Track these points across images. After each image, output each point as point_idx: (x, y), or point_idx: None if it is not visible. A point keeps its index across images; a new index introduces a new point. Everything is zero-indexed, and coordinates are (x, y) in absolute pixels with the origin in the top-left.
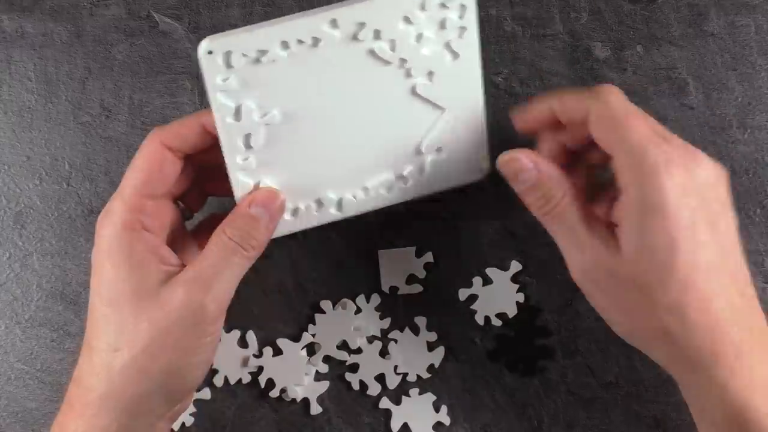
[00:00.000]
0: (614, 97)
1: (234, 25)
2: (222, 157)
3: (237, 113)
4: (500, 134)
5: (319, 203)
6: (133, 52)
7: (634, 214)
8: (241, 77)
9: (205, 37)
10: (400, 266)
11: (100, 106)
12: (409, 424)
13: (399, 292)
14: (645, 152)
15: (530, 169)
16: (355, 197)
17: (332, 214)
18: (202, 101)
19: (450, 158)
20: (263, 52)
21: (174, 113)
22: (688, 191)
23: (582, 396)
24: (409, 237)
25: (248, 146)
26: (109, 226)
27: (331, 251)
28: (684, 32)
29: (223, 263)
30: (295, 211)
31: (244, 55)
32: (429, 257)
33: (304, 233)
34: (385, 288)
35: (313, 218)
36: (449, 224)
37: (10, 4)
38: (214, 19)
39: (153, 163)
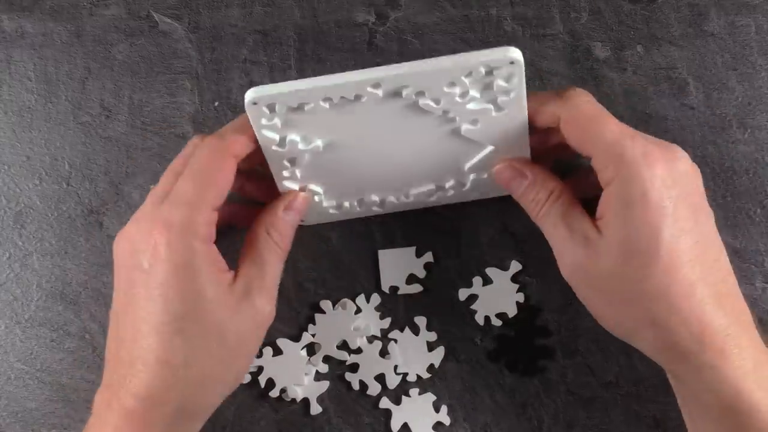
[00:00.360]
0: (584, 98)
1: (233, 26)
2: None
3: (281, 143)
4: None
5: (362, 202)
6: (133, 52)
7: (616, 206)
8: (285, 120)
9: (204, 37)
10: (400, 266)
11: (100, 106)
12: (409, 424)
13: (399, 292)
14: (623, 147)
15: (520, 176)
16: (396, 200)
17: (374, 210)
18: (201, 101)
19: (492, 178)
20: (305, 104)
21: (174, 113)
22: (669, 182)
23: (582, 396)
24: (409, 237)
25: (293, 164)
26: (184, 239)
27: (330, 251)
28: (684, 32)
29: (277, 268)
30: (339, 206)
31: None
32: (429, 257)
33: (305, 233)
34: (385, 288)
35: (355, 212)
36: (449, 224)
37: (10, 4)
38: (214, 19)
39: (224, 176)
